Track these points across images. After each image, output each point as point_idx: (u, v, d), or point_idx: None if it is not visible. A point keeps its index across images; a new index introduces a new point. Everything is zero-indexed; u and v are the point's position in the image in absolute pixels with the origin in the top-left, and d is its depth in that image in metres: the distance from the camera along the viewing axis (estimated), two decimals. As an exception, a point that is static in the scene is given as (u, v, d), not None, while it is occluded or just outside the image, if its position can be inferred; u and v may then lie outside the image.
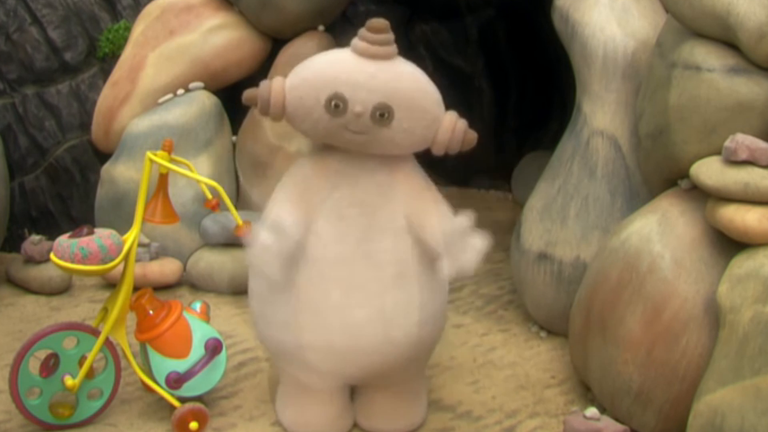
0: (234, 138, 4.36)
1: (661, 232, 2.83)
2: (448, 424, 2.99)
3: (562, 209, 3.46)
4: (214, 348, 2.88)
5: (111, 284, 3.74)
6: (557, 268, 3.44)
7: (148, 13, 4.31)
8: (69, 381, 2.81)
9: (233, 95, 4.39)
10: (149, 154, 2.81)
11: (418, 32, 5.06)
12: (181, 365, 2.85)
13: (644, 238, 2.85)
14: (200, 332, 2.90)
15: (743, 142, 2.64)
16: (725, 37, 2.79)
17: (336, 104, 2.57)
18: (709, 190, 2.69)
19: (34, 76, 4.29)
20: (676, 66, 2.90)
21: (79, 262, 2.73)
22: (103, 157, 4.22)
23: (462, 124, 2.66)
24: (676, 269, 2.75)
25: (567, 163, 3.50)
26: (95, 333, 2.86)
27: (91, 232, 2.78)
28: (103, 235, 2.78)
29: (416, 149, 2.70)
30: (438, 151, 2.67)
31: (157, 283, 3.79)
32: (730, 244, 2.68)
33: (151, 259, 3.92)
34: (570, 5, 3.53)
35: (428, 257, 2.68)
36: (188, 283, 3.97)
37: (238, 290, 3.85)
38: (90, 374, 2.89)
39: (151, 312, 2.87)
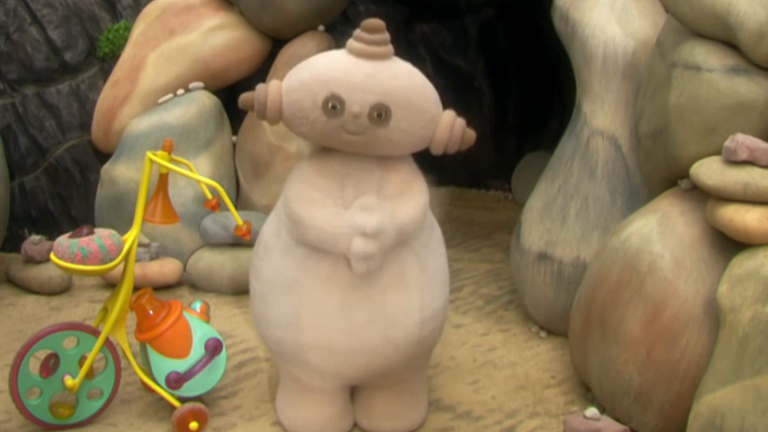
0: (234, 138, 4.36)
1: (661, 232, 2.83)
2: (448, 424, 2.99)
3: (562, 209, 3.46)
4: (214, 348, 2.88)
5: (111, 284, 3.75)
6: (557, 268, 3.44)
7: (148, 13, 4.31)
8: (69, 381, 2.81)
9: (233, 95, 4.40)
10: (149, 154, 2.81)
11: (418, 32, 5.06)
12: (181, 365, 2.85)
13: (644, 238, 2.85)
14: (200, 332, 2.90)
15: (743, 142, 2.64)
16: (725, 37, 2.79)
17: (333, 105, 2.56)
18: (709, 190, 2.69)
19: (34, 76, 4.29)
20: (676, 66, 2.90)
21: (79, 262, 2.73)
22: (103, 157, 4.22)
23: (460, 122, 2.65)
24: (676, 269, 2.75)
25: (567, 163, 3.50)
26: (95, 333, 2.85)
27: (91, 232, 2.78)
28: (103, 235, 2.78)
29: (415, 149, 2.70)
30: (437, 150, 2.67)
31: (157, 283, 3.79)
32: (730, 244, 2.68)
33: (151, 259, 3.92)
34: (570, 5, 3.53)
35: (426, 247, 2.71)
36: (188, 283, 3.97)
37: (238, 290, 3.85)
38: (90, 374, 2.89)
39: (151, 312, 2.87)
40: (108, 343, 2.88)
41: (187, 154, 3.95)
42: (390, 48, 2.64)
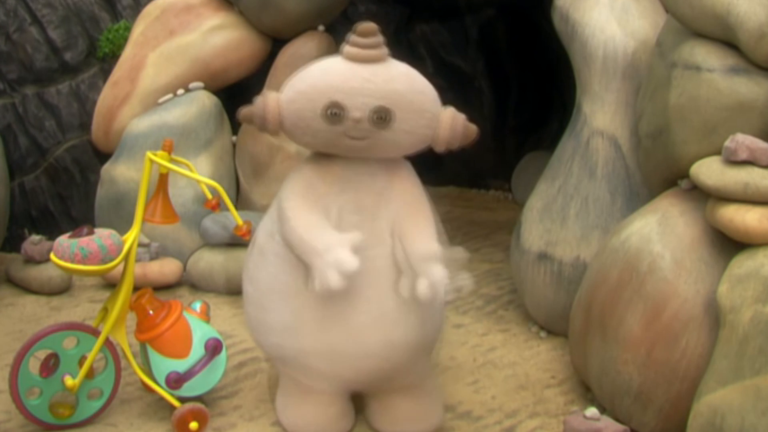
0: (234, 138, 4.36)
1: (661, 232, 2.83)
2: (448, 424, 2.99)
3: (562, 209, 3.46)
4: (214, 348, 2.88)
5: (111, 284, 3.75)
6: (557, 268, 3.44)
7: (148, 13, 4.31)
8: (69, 381, 2.81)
9: (233, 95, 4.40)
10: (149, 154, 2.81)
11: (418, 32, 5.07)
12: (181, 365, 2.85)
13: (644, 238, 2.85)
14: (200, 332, 2.90)
15: (743, 142, 2.64)
16: (725, 37, 2.79)
17: (334, 113, 2.56)
18: (709, 190, 2.69)
19: (34, 76, 4.29)
20: (676, 66, 2.90)
21: (79, 262, 2.73)
22: (103, 157, 4.22)
23: (461, 118, 2.65)
24: (676, 269, 2.75)
25: (567, 163, 3.50)
26: (95, 333, 2.85)
27: (91, 232, 2.78)
28: (103, 235, 2.78)
29: (417, 149, 2.70)
30: (440, 147, 2.66)
31: (157, 283, 3.79)
32: (730, 244, 2.68)
33: (151, 259, 3.92)
34: (570, 5, 3.53)
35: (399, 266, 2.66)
36: (188, 283, 3.97)
37: (238, 290, 3.83)
38: (90, 374, 2.89)
39: (151, 312, 2.87)
40: (108, 343, 2.87)
41: (187, 154, 3.95)
42: (385, 50, 2.64)
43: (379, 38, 2.62)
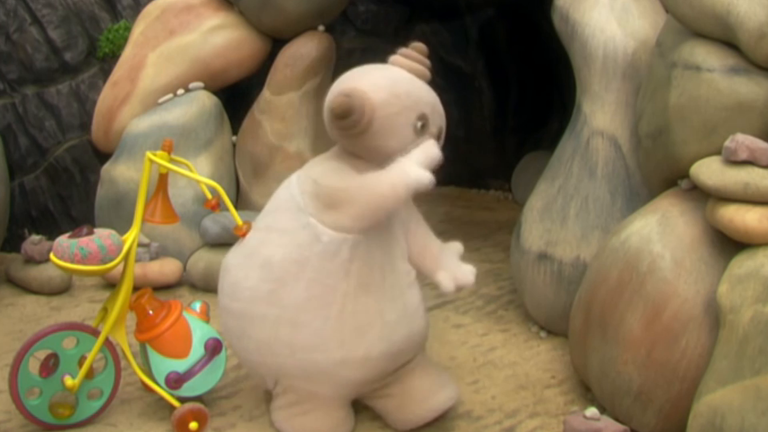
0: (234, 138, 4.36)
1: (661, 232, 2.83)
2: (448, 424, 2.99)
3: (562, 209, 3.46)
4: (213, 348, 2.88)
5: (111, 284, 3.75)
6: (557, 268, 3.44)
7: (148, 13, 4.32)
8: (69, 381, 2.81)
9: (233, 95, 4.41)
10: (149, 154, 2.81)
11: (418, 32, 5.06)
12: (180, 365, 2.85)
13: (644, 238, 2.85)
14: (200, 332, 2.90)
15: (743, 142, 2.64)
16: (725, 37, 2.79)
17: (423, 124, 2.67)
18: (709, 190, 2.69)
19: (34, 76, 4.29)
20: (676, 66, 2.90)
21: (79, 262, 2.73)
22: (103, 157, 4.22)
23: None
24: (676, 269, 2.75)
25: (567, 163, 3.50)
26: (95, 333, 2.86)
27: (90, 232, 2.78)
28: (102, 235, 2.78)
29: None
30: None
31: (157, 283, 3.79)
32: (730, 244, 2.68)
33: (151, 259, 3.92)
34: (570, 5, 3.53)
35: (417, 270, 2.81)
36: (188, 283, 3.97)
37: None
38: (90, 374, 2.89)
39: (151, 312, 2.87)
40: (108, 343, 2.88)
41: (187, 154, 3.95)
42: (424, 69, 2.81)
43: (425, 57, 2.81)
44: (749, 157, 2.63)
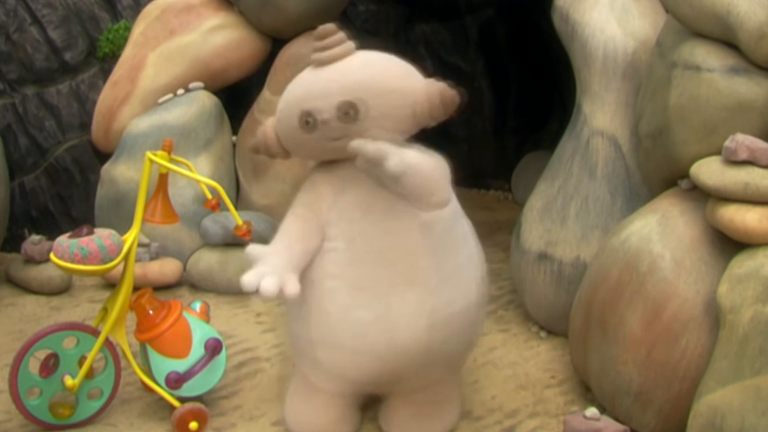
0: (234, 138, 4.36)
1: (661, 232, 2.83)
2: (448, 424, 2.99)
3: (562, 209, 3.46)
4: (214, 348, 2.88)
5: (111, 284, 3.75)
6: (557, 268, 3.44)
7: (148, 13, 4.32)
8: (69, 381, 2.81)
9: (233, 95, 4.41)
10: (149, 154, 2.81)
11: (418, 32, 5.07)
12: (180, 365, 2.85)
13: (644, 238, 2.85)
14: (200, 332, 2.90)
15: (743, 142, 2.64)
16: (725, 37, 2.79)
17: (307, 121, 2.60)
18: (709, 190, 2.69)
19: (34, 76, 4.29)
20: (676, 66, 2.90)
21: (79, 262, 2.73)
22: (103, 157, 4.22)
23: (436, 87, 2.61)
24: (676, 269, 2.75)
25: (567, 163, 3.50)
26: (95, 333, 2.86)
27: (91, 232, 2.78)
28: (103, 235, 2.78)
29: (402, 131, 2.64)
30: (422, 124, 2.63)
31: (157, 283, 3.79)
32: (730, 244, 2.68)
33: (151, 259, 3.92)
34: (570, 5, 3.53)
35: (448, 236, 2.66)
36: (188, 283, 3.97)
37: (238, 290, 3.85)
38: (90, 374, 2.90)
39: (151, 312, 2.87)
40: (108, 343, 2.88)
41: (187, 154, 3.95)
42: (346, 46, 2.65)
43: (337, 36, 2.64)
44: (749, 157, 2.63)
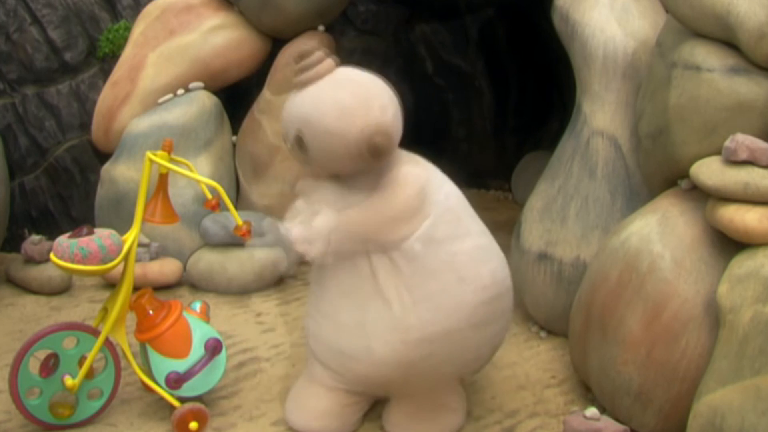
0: (234, 138, 4.36)
1: (661, 232, 2.83)
2: (448, 424, 2.99)
3: (562, 209, 3.46)
4: (214, 348, 2.88)
5: (111, 284, 3.75)
6: (557, 268, 3.44)
7: (148, 13, 4.32)
8: (69, 381, 2.81)
9: (233, 95, 4.41)
10: (149, 154, 2.80)
11: (418, 32, 5.06)
12: (180, 365, 2.85)
13: (644, 238, 2.85)
14: (200, 332, 2.90)
15: (743, 142, 2.64)
16: (725, 37, 2.79)
17: (285, 141, 2.73)
18: (709, 190, 2.69)
19: (34, 76, 4.29)
20: (676, 66, 2.90)
21: (79, 262, 2.73)
22: (103, 157, 4.22)
23: (365, 136, 2.57)
24: (676, 269, 2.75)
25: (567, 163, 3.50)
26: (95, 333, 2.85)
27: (91, 232, 2.78)
28: (103, 235, 2.78)
29: (352, 167, 2.65)
30: (362, 166, 2.64)
31: (157, 283, 3.79)
32: (730, 244, 2.68)
33: (151, 259, 3.92)
34: (570, 5, 3.53)
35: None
36: (188, 283, 3.97)
37: (238, 290, 3.85)
38: (90, 374, 2.89)
39: (151, 312, 2.87)
40: (108, 343, 2.87)
41: (187, 154, 3.95)
42: (325, 65, 2.62)
43: (315, 56, 2.62)
44: (749, 157, 2.63)
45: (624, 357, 2.81)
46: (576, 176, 3.45)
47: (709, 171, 2.69)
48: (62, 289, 3.86)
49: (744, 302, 2.50)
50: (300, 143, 2.63)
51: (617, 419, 2.78)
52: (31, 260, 3.85)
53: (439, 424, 2.88)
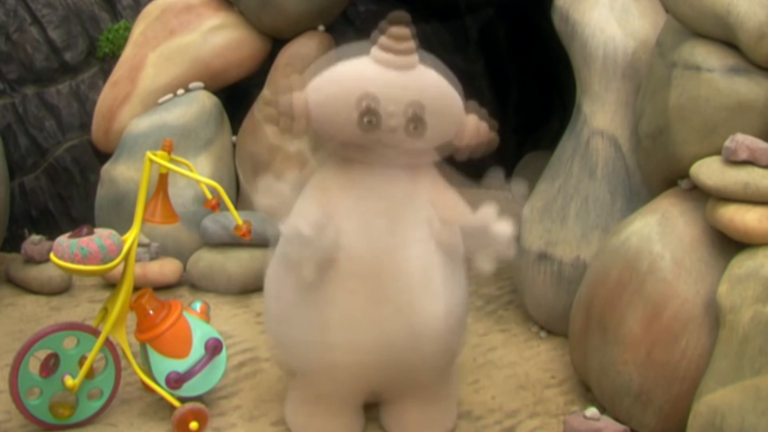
0: (234, 138, 4.36)
1: (661, 232, 2.83)
2: (448, 424, 2.99)
3: (562, 209, 3.46)
4: (214, 348, 2.88)
5: (111, 284, 3.75)
6: (557, 268, 3.44)
7: (148, 13, 4.32)
8: (69, 381, 2.81)
9: (233, 95, 4.41)
10: (149, 154, 2.81)
11: (418, 32, 5.06)
12: (181, 365, 2.85)
13: (644, 238, 2.85)
14: (200, 332, 2.90)
15: (743, 142, 2.64)
16: (725, 37, 2.79)
17: (369, 120, 2.50)
18: (709, 190, 2.69)
19: (34, 76, 4.29)
20: (676, 66, 2.90)
21: (79, 262, 2.73)
22: (103, 157, 4.22)
23: (484, 127, 2.66)
24: (676, 269, 2.75)
25: (567, 163, 3.50)
26: (95, 333, 2.85)
27: (91, 232, 2.78)
28: (103, 235, 2.78)
29: (440, 156, 2.69)
30: (462, 155, 2.67)
31: (157, 283, 3.79)
32: (730, 244, 2.68)
33: (151, 259, 3.92)
34: (570, 5, 3.53)
35: (454, 251, 2.64)
36: (188, 283, 3.97)
37: (238, 290, 3.85)
38: (90, 374, 2.89)
39: (151, 312, 2.87)
40: (108, 343, 2.87)
41: (187, 154, 3.95)
42: (416, 56, 2.59)
43: (412, 44, 2.57)
44: (749, 157, 2.63)
45: (624, 357, 2.81)
46: (576, 176, 3.45)
47: (709, 171, 2.70)
48: (62, 289, 3.86)
49: (744, 302, 2.50)
50: (417, 121, 2.52)
51: (617, 419, 2.79)
52: (31, 260, 3.84)
53: (441, 422, 2.89)
